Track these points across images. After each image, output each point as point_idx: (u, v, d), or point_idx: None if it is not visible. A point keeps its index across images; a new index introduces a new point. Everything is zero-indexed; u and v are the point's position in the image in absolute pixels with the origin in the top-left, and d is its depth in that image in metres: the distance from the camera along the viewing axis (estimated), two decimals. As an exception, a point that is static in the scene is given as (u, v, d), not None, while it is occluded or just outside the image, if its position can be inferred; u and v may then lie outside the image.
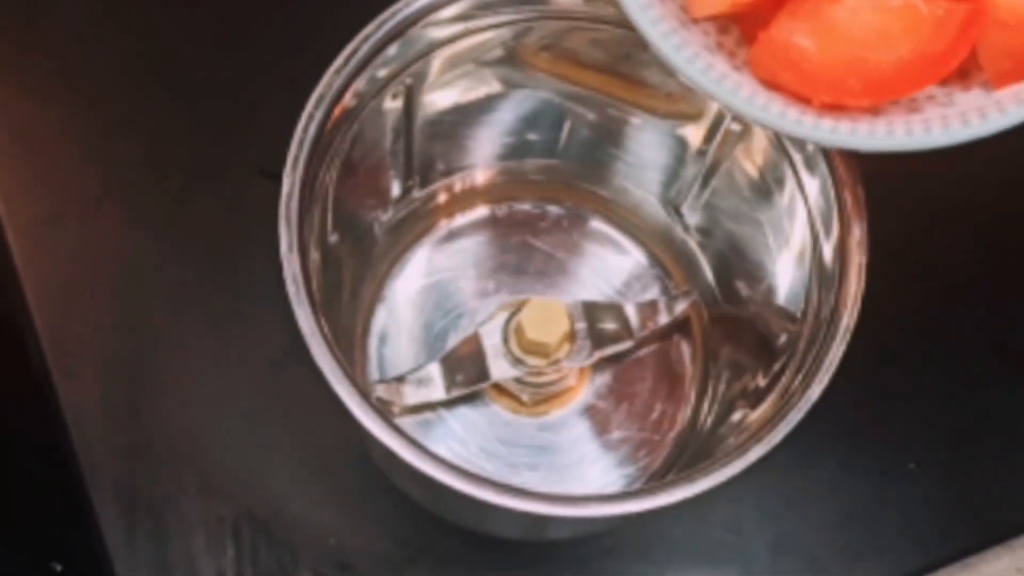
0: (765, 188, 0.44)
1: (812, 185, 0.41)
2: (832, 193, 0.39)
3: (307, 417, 0.48)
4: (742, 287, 0.48)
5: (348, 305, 0.48)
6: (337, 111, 0.39)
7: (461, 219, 0.52)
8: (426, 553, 0.48)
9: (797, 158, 0.41)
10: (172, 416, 0.49)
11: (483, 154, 0.49)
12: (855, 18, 0.32)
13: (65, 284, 0.50)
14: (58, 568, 0.48)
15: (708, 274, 0.50)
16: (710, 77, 0.35)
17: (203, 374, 0.49)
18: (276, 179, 0.38)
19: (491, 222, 0.52)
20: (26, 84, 0.53)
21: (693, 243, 0.50)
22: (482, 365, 0.46)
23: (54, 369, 0.49)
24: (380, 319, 0.50)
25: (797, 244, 0.43)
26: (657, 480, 0.48)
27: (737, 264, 0.48)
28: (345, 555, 0.48)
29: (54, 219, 0.51)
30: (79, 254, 0.51)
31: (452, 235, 0.51)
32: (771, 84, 0.34)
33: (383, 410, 0.39)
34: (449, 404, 0.49)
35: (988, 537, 0.50)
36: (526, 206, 0.52)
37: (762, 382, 0.44)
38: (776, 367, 0.42)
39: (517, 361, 0.46)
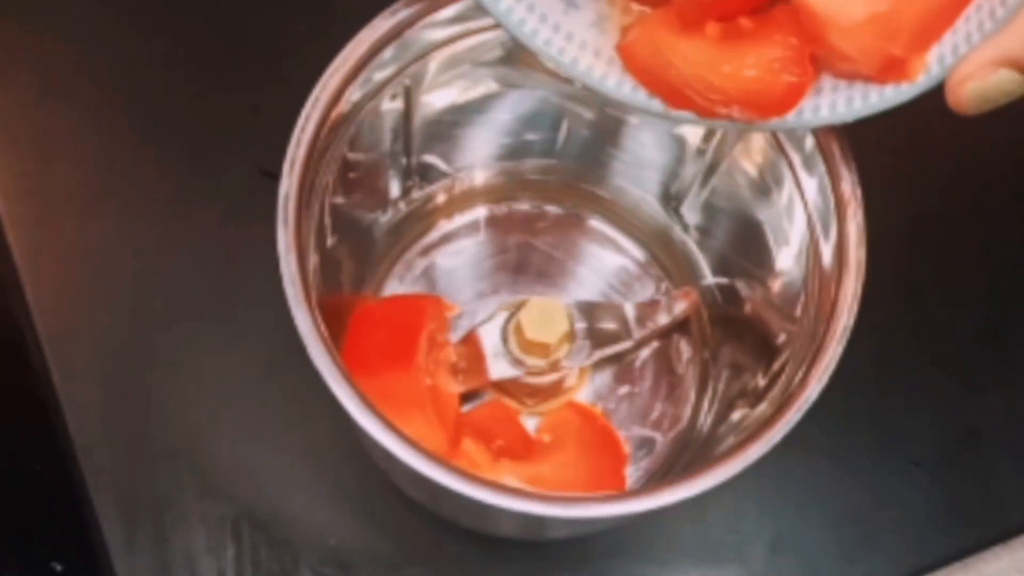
0: (764, 187, 0.44)
1: (810, 185, 0.41)
2: (830, 193, 0.39)
3: (306, 417, 0.48)
4: (742, 287, 0.48)
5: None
6: (335, 112, 0.39)
7: (460, 219, 0.52)
8: (426, 553, 0.48)
9: (795, 158, 0.41)
10: (172, 416, 0.49)
11: (481, 154, 0.49)
12: (688, 67, 0.34)
13: (65, 284, 0.50)
14: (58, 568, 0.48)
15: (707, 274, 0.50)
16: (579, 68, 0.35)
17: (202, 374, 0.49)
18: (276, 179, 0.38)
19: (490, 222, 0.52)
20: (26, 85, 0.53)
21: (692, 243, 0.50)
22: (482, 365, 0.46)
23: (54, 369, 0.49)
24: (379, 320, 0.50)
25: (796, 243, 0.43)
26: (657, 480, 0.48)
27: (736, 264, 0.48)
28: (345, 555, 0.48)
29: (54, 219, 0.51)
30: (79, 254, 0.51)
31: (451, 235, 0.51)
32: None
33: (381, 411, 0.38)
34: (449, 404, 0.49)
35: (988, 537, 0.50)
36: (525, 206, 0.52)
37: (762, 381, 0.44)
38: (776, 366, 0.42)
39: (517, 361, 0.46)
